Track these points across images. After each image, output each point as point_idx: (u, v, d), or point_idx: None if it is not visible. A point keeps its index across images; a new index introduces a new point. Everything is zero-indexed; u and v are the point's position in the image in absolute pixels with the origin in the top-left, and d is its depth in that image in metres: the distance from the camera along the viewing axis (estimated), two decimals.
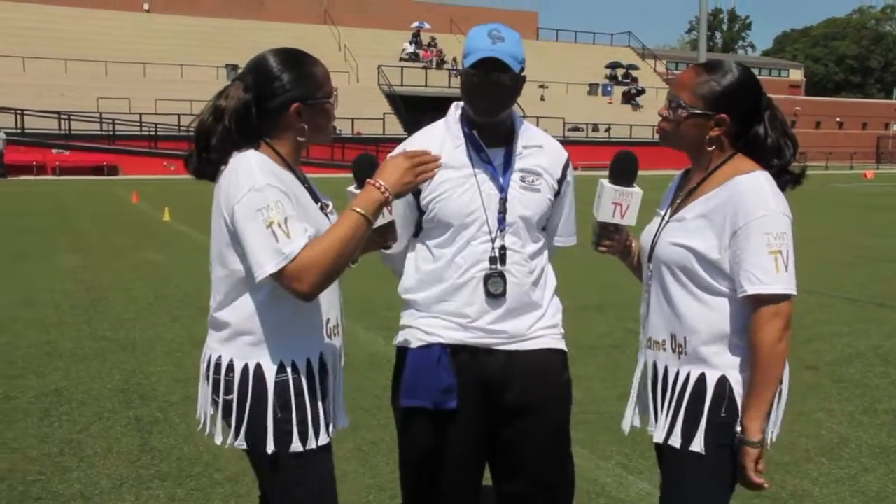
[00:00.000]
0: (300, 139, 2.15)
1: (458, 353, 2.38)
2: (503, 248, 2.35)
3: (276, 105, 2.09)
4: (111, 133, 35.68)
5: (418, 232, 2.46)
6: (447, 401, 2.35)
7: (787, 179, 2.16)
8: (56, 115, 34.65)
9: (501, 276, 2.34)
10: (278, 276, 1.96)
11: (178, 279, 9.48)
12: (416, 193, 2.40)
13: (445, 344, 2.38)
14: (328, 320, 2.18)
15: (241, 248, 2.01)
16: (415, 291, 2.45)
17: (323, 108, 2.16)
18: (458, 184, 2.35)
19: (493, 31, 2.28)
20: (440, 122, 2.47)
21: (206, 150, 2.09)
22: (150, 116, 36.54)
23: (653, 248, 2.23)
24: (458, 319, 2.38)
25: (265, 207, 1.96)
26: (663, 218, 2.25)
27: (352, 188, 2.26)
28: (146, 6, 48.24)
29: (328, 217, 2.19)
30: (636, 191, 2.28)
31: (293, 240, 1.94)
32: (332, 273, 1.98)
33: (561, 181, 2.47)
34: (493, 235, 2.35)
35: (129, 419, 4.76)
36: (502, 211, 2.35)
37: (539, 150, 2.43)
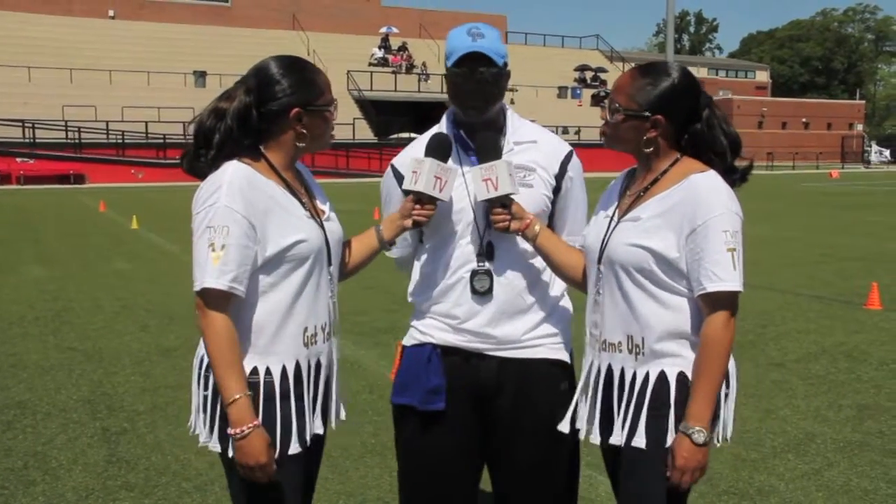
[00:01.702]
0: (299, 145, 2.18)
1: (450, 356, 2.37)
2: (490, 245, 2.34)
3: (276, 108, 2.12)
4: (77, 141, 35.26)
5: (421, 237, 2.48)
6: (434, 402, 2.34)
7: (734, 178, 2.17)
8: (20, 124, 34.17)
9: (488, 273, 2.32)
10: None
11: (146, 288, 9.38)
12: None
13: (437, 344, 2.37)
14: (306, 329, 2.17)
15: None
16: (416, 294, 2.47)
17: (322, 116, 2.19)
18: None
19: (473, 28, 2.29)
20: (435, 128, 2.47)
21: (207, 147, 2.12)
22: (116, 124, 36.17)
23: (602, 248, 2.21)
24: (448, 321, 2.37)
25: (212, 227, 2.02)
26: (611, 219, 2.24)
27: (411, 185, 2.26)
28: (111, 13, 47.74)
29: (322, 224, 2.20)
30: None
31: (216, 269, 2.00)
32: (206, 341, 2.05)
33: (560, 177, 2.42)
34: (482, 233, 2.34)
35: (96, 430, 4.70)
36: (488, 208, 2.33)
37: (533, 145, 2.40)
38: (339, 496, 3.83)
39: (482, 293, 2.33)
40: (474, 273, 2.34)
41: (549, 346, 2.41)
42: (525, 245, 2.38)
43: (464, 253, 2.35)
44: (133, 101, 37.31)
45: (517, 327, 2.36)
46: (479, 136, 2.32)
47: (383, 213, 2.52)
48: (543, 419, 2.38)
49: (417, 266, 2.49)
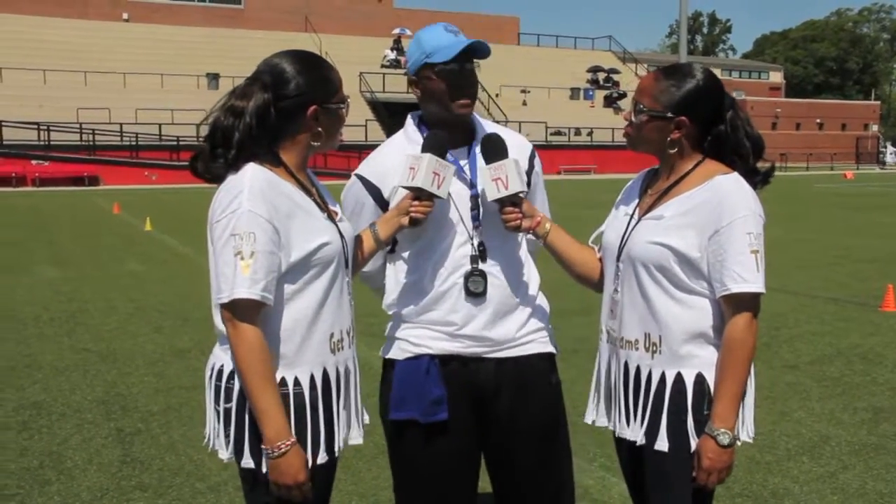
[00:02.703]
0: (314, 144, 2.12)
1: (448, 363, 2.33)
2: (482, 245, 2.32)
3: (292, 106, 2.07)
4: (91, 143, 35.46)
5: (394, 247, 2.42)
6: (437, 413, 2.30)
7: (756, 180, 2.18)
8: (35, 126, 34.41)
9: (482, 274, 2.30)
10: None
11: (160, 289, 9.42)
12: (385, 208, 2.37)
13: (434, 355, 2.33)
14: (332, 335, 2.12)
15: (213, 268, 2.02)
16: (399, 305, 2.40)
17: (337, 114, 2.15)
18: None
19: (448, 26, 2.29)
20: (399, 133, 2.44)
21: (225, 146, 2.04)
22: (130, 126, 36.35)
23: (622, 246, 2.22)
24: (444, 328, 2.33)
25: (237, 235, 1.94)
26: (632, 216, 2.25)
27: (409, 181, 2.22)
28: (125, 16, 48.05)
29: (337, 225, 2.15)
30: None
31: (247, 278, 1.92)
32: (237, 355, 1.97)
33: (529, 173, 2.44)
34: (471, 234, 2.32)
35: (110, 430, 4.73)
36: (475, 208, 2.32)
37: None
38: (352, 497, 3.84)
39: (477, 294, 2.30)
40: (468, 275, 2.30)
41: (539, 341, 2.43)
42: (512, 244, 2.38)
43: (455, 257, 2.32)
44: (147, 104, 37.47)
45: (511, 326, 2.36)
46: (485, 137, 2.32)
47: (351, 225, 2.41)
48: (539, 414, 2.41)
49: (394, 276, 2.42)
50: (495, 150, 2.27)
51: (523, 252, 2.45)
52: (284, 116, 2.08)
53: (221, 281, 1.96)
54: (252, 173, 2.01)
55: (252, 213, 1.95)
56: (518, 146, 2.45)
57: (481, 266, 2.31)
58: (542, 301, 2.49)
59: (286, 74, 2.08)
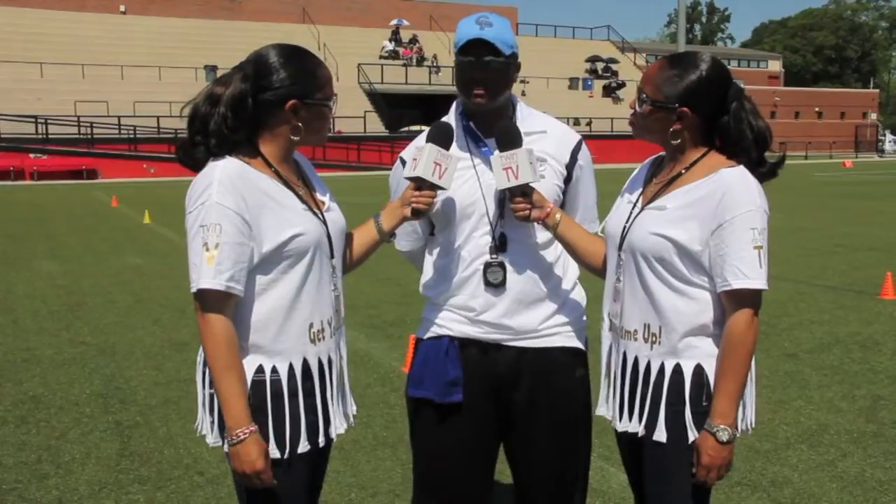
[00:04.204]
0: (293, 138, 2.11)
1: (467, 347, 2.37)
2: (503, 237, 2.33)
3: (271, 98, 2.06)
4: (89, 136, 35.39)
5: (433, 230, 2.47)
6: (452, 394, 2.33)
7: (762, 172, 2.12)
8: (33, 120, 34.33)
9: (501, 265, 2.32)
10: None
11: (159, 282, 9.41)
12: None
13: (454, 337, 2.37)
14: (311, 324, 2.11)
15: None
16: (431, 287, 2.46)
17: (320, 111, 2.13)
18: (457, 176, 2.34)
19: (481, 17, 2.29)
20: (444, 119, 2.45)
21: (203, 134, 2.05)
22: (128, 119, 36.26)
23: (624, 235, 2.19)
24: (465, 313, 2.37)
25: (205, 226, 1.96)
26: (634, 205, 2.22)
27: (410, 171, 2.24)
28: (122, 8, 47.85)
29: (322, 215, 2.15)
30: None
31: (211, 269, 1.95)
32: (203, 344, 2.01)
33: (571, 166, 2.41)
34: (494, 225, 2.34)
35: (109, 424, 4.72)
36: (502, 199, 2.33)
37: (543, 135, 2.39)
38: (352, 488, 3.84)
39: (496, 285, 2.32)
40: (487, 265, 2.33)
41: (565, 335, 2.42)
42: (538, 236, 2.37)
43: (477, 245, 2.34)
44: (145, 96, 37.38)
45: (534, 317, 2.37)
46: (499, 125, 2.30)
47: None
48: (561, 405, 2.40)
49: (430, 259, 2.48)
50: (509, 138, 2.25)
51: (559, 246, 2.42)
52: (264, 108, 2.07)
53: (192, 271, 1.99)
54: (224, 165, 2.02)
55: (220, 206, 1.96)
56: (562, 137, 2.44)
57: (500, 257, 2.33)
58: (575, 295, 2.47)
59: (269, 66, 2.07)
